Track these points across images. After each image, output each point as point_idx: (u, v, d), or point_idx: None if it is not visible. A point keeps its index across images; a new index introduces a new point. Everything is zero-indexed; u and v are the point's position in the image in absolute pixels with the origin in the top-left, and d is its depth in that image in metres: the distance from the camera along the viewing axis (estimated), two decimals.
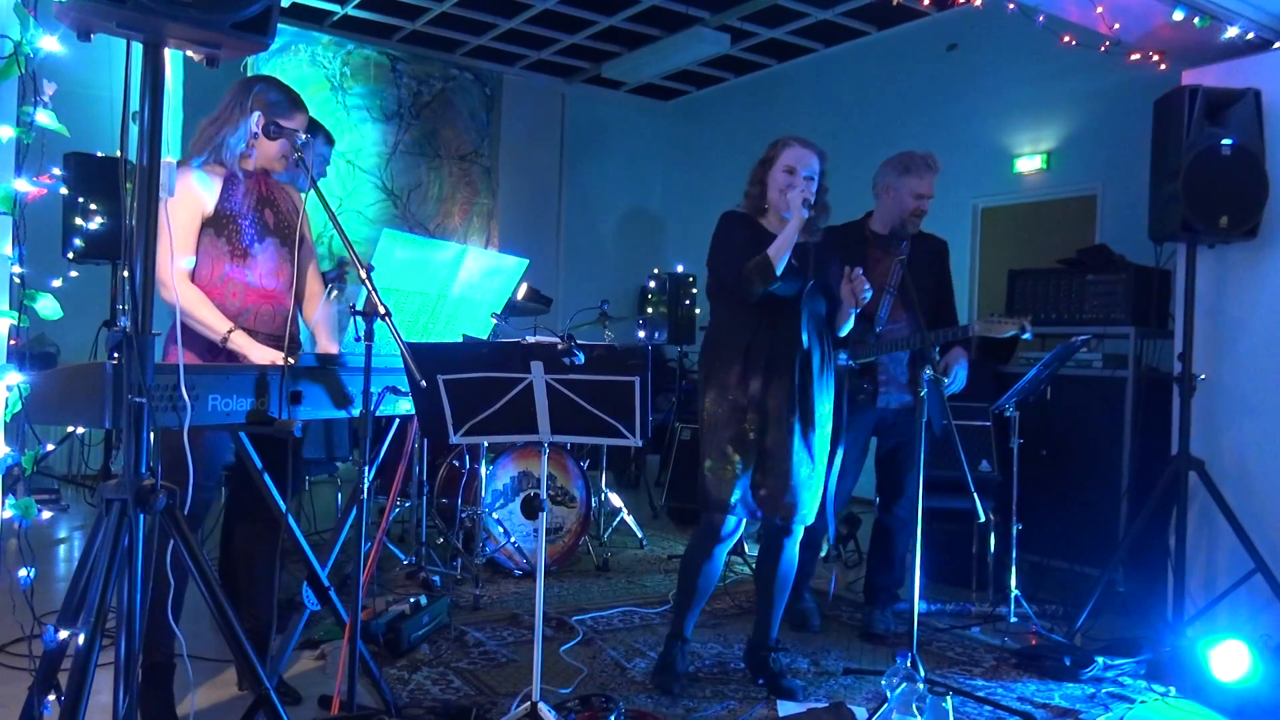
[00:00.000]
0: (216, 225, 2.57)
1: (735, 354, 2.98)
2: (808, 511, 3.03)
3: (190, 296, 2.47)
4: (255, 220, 2.62)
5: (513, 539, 4.39)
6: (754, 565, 3.47)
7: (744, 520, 3.03)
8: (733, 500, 2.95)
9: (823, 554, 5.04)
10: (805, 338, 2.99)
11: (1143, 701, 3.14)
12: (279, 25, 1.88)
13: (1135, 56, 4.10)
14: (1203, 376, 3.76)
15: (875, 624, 3.76)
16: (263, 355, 2.47)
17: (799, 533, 3.11)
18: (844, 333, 3.14)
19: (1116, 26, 3.82)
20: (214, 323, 2.48)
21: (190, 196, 2.51)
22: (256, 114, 2.59)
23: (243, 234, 2.59)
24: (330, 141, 3.88)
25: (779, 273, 2.89)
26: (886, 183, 3.78)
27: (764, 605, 3.17)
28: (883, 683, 2.70)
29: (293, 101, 2.66)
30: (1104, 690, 3.23)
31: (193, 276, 2.55)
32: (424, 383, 2.22)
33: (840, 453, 3.39)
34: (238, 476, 2.79)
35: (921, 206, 3.75)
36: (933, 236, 3.90)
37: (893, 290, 3.74)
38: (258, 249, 2.62)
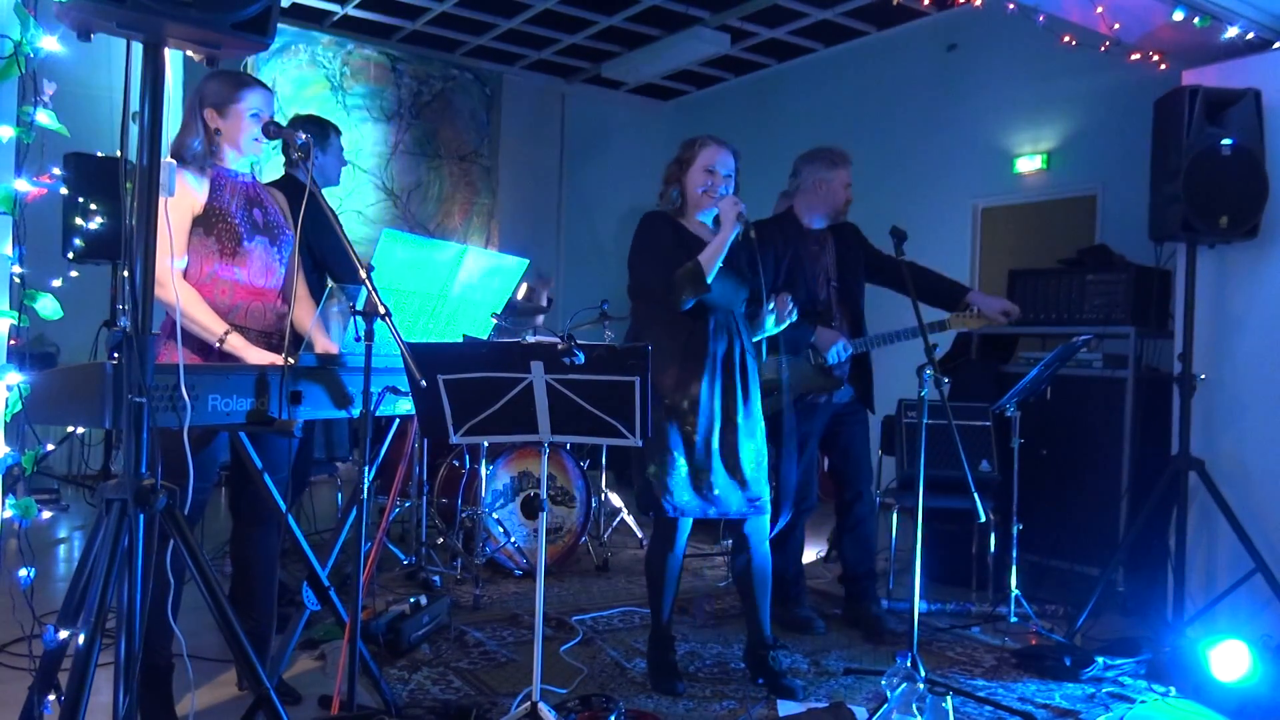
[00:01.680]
0: (205, 224, 2.54)
1: (670, 356, 2.99)
2: (765, 501, 3.08)
3: (186, 296, 2.46)
4: (245, 219, 2.60)
5: (513, 539, 4.39)
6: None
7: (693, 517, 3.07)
8: (682, 501, 2.98)
9: (821, 555, 5.04)
10: (735, 334, 3.06)
11: (1143, 701, 3.14)
12: (279, 25, 1.88)
13: (1135, 56, 4.10)
14: (1203, 376, 3.77)
15: (887, 621, 3.76)
16: (259, 357, 2.46)
17: (765, 524, 3.12)
18: (759, 336, 3.19)
19: (1116, 26, 3.82)
20: (210, 324, 2.47)
21: (180, 194, 2.49)
22: (208, 109, 2.55)
23: (232, 232, 2.57)
24: (337, 132, 3.89)
25: (710, 280, 2.92)
26: (818, 178, 3.79)
27: (750, 604, 3.17)
28: (883, 683, 2.70)
29: (235, 83, 2.59)
30: (1104, 690, 3.23)
31: (184, 275, 2.53)
32: (424, 383, 2.22)
33: (797, 447, 3.53)
34: (237, 477, 2.79)
35: (849, 195, 3.83)
36: (846, 222, 3.93)
37: (834, 284, 3.77)
38: (247, 247, 2.59)
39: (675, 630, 3.65)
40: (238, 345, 2.48)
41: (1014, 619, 3.92)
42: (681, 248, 2.99)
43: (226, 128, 2.57)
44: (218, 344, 2.46)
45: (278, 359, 2.40)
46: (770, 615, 3.87)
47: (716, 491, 2.99)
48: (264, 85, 2.65)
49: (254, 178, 2.72)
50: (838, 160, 3.80)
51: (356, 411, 2.42)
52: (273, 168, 3.98)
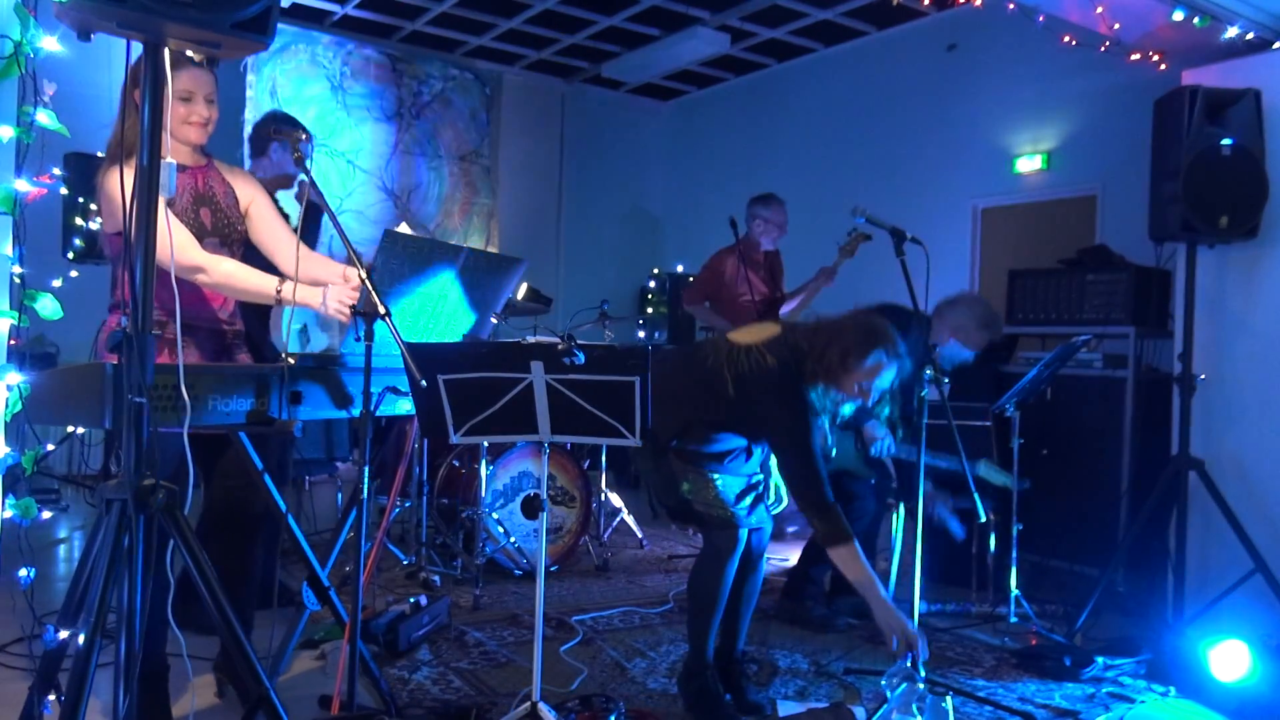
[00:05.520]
0: None
1: None
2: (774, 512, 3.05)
3: (223, 270, 2.40)
4: (191, 223, 2.50)
5: (513, 539, 4.39)
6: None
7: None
8: (753, 513, 2.92)
9: None
10: None
11: (1143, 701, 3.14)
12: (279, 25, 1.88)
13: (1135, 56, 4.11)
14: (1203, 376, 3.76)
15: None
16: (313, 295, 2.38)
17: (768, 537, 3.07)
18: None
19: (1116, 26, 3.82)
20: (262, 283, 2.40)
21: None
22: (136, 91, 2.31)
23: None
24: (306, 134, 3.85)
25: None
26: (964, 327, 3.80)
27: (736, 614, 3.02)
28: (882, 682, 2.70)
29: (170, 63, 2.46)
30: (1104, 690, 3.23)
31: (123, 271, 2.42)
32: (424, 383, 2.22)
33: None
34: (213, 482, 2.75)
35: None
36: None
37: None
38: None
39: (673, 630, 3.66)
40: (291, 293, 2.40)
41: (1014, 619, 3.92)
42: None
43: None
44: (275, 298, 2.38)
45: (319, 292, 2.34)
46: (781, 611, 3.88)
47: (768, 501, 2.96)
48: (199, 65, 2.43)
49: (208, 162, 2.60)
50: (992, 325, 3.84)
51: (357, 411, 2.42)
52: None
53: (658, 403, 2.43)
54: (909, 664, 2.69)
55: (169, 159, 1.85)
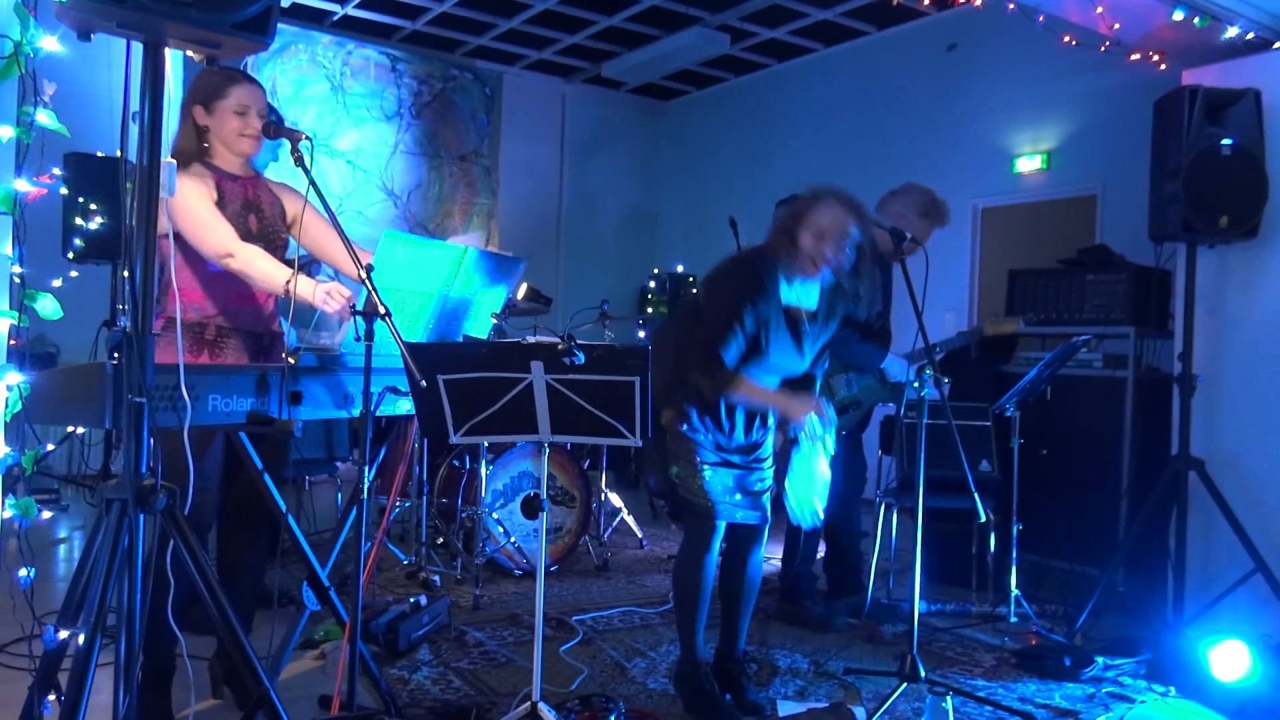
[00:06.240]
0: None
1: None
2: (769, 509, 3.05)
3: (246, 255, 2.44)
4: (239, 226, 2.54)
5: (513, 539, 4.39)
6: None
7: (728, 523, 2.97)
8: (736, 504, 2.91)
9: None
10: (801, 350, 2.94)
11: (1143, 701, 3.14)
12: (279, 25, 1.88)
13: (1135, 56, 4.11)
14: (1203, 376, 3.76)
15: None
16: (309, 286, 2.40)
17: (765, 536, 3.06)
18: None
19: (1116, 26, 3.82)
20: (275, 273, 2.43)
21: (196, 186, 2.46)
22: (196, 106, 2.51)
23: None
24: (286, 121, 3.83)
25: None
26: (903, 216, 3.67)
27: (734, 612, 3.02)
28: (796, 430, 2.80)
29: (223, 79, 2.51)
30: (1104, 690, 3.23)
31: (176, 275, 2.42)
32: (424, 383, 2.22)
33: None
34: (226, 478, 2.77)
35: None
36: None
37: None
38: None
39: (673, 630, 3.65)
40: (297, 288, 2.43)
41: (1014, 619, 3.92)
42: (762, 315, 2.78)
43: (214, 124, 2.53)
44: (284, 291, 2.42)
45: (317, 285, 2.38)
46: (780, 612, 3.87)
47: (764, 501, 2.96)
48: (253, 81, 2.57)
49: (257, 175, 2.69)
50: (934, 214, 3.75)
51: (356, 411, 2.42)
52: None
53: (655, 356, 2.45)
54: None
55: (169, 159, 1.85)
